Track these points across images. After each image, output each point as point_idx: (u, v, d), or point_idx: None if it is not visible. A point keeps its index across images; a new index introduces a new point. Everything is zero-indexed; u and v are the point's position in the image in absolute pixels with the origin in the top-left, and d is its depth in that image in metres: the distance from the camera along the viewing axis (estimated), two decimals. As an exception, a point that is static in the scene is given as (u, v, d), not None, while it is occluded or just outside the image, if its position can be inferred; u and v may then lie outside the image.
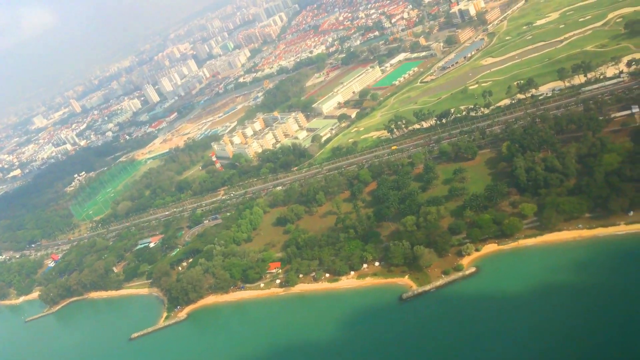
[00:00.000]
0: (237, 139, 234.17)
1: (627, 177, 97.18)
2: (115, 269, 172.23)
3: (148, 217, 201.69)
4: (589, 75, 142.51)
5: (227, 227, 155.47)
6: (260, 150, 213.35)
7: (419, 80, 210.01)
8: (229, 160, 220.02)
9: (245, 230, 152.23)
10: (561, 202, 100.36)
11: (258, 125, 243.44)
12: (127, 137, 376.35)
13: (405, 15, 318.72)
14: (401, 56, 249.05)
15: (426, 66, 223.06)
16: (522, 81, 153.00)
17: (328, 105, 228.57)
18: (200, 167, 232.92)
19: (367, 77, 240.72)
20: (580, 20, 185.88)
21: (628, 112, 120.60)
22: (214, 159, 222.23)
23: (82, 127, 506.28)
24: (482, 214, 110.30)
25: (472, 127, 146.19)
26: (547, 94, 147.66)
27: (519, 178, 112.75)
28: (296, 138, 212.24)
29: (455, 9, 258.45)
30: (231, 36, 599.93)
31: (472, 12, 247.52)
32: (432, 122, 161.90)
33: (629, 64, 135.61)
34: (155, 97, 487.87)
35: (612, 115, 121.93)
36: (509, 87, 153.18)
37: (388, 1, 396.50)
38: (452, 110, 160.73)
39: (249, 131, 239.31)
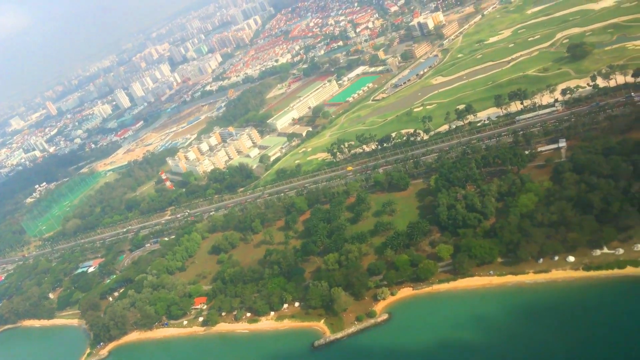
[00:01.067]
0: (191, 155, 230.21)
1: (539, 221, 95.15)
2: (51, 295, 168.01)
3: (94, 237, 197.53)
4: (525, 103, 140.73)
5: (163, 254, 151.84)
6: (211, 168, 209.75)
7: (371, 98, 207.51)
8: (181, 177, 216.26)
9: (180, 259, 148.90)
10: (475, 245, 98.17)
11: (214, 140, 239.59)
12: (93, 145, 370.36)
13: (370, 25, 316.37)
14: (359, 70, 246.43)
15: (381, 82, 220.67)
16: (460, 107, 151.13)
17: (283, 121, 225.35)
18: (154, 183, 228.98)
19: (324, 91, 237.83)
20: (529, 39, 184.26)
21: (555, 145, 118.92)
22: (163, 177, 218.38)
23: (52, 133, 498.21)
24: (402, 253, 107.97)
25: (408, 155, 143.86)
26: (485, 120, 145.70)
27: (439, 216, 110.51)
28: (247, 156, 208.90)
29: (414, 22, 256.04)
30: (207, 39, 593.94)
31: (431, 25, 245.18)
32: (373, 146, 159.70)
33: (563, 93, 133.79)
34: (126, 103, 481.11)
35: (540, 149, 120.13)
36: (447, 113, 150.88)
37: (358, 7, 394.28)
38: (393, 135, 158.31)
39: (204, 146, 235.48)
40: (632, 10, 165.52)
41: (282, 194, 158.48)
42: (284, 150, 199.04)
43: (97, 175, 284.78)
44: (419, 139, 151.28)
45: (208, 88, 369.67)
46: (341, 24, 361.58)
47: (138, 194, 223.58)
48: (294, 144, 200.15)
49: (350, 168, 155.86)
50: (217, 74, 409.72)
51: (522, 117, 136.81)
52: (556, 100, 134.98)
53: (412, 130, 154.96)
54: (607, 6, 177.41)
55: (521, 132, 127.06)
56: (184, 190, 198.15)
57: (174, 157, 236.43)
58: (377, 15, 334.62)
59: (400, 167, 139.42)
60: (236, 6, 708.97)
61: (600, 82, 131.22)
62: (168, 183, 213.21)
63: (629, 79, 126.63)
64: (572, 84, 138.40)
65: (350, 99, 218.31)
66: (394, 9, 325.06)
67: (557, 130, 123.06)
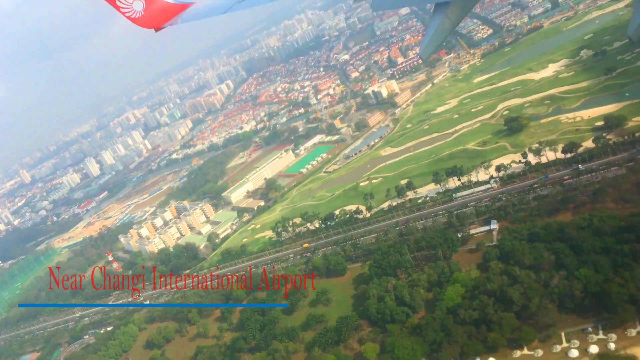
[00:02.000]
0: (145, 231, 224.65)
1: (461, 319, 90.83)
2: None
3: (36, 327, 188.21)
4: (463, 179, 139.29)
5: (97, 350, 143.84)
6: (162, 247, 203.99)
7: (324, 170, 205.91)
8: (132, 256, 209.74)
9: (113, 355, 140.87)
10: (398, 345, 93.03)
11: (169, 214, 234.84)
12: (55, 218, 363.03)
13: (331, 91, 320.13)
14: (316, 138, 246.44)
15: (335, 152, 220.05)
16: (403, 182, 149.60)
17: (237, 194, 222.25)
18: (104, 263, 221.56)
19: (281, 161, 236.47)
20: (472, 110, 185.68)
21: (487, 227, 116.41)
22: (109, 258, 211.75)
23: (21, 203, 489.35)
24: (330, 353, 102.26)
25: (348, 235, 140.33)
26: (425, 197, 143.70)
27: (369, 309, 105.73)
28: (199, 233, 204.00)
29: (369, 90, 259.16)
30: (182, 103, 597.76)
31: (384, 94, 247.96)
32: (317, 224, 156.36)
33: (498, 169, 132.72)
34: (95, 171, 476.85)
35: (472, 231, 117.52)
36: (387, 189, 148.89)
37: (323, 72, 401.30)
38: (337, 212, 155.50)
39: (158, 221, 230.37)
40: (569, 80, 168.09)
41: (225, 278, 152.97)
42: (234, 227, 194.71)
43: (52, 253, 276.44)
44: (361, 216, 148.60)
45: (174, 156, 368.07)
46: (305, 89, 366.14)
47: (87, 276, 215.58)
48: (245, 219, 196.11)
49: (306, 245, 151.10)
50: (185, 141, 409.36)
51: (459, 194, 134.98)
52: (491, 177, 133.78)
53: (355, 207, 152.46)
54: (547, 76, 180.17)
55: (455, 212, 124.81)
56: (129, 272, 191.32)
57: (127, 234, 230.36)
58: (339, 81, 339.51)
59: (339, 249, 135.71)
60: (214, 69, 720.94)
61: (533, 159, 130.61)
62: (115, 264, 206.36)
63: (559, 154, 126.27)
64: (508, 159, 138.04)
65: (305, 170, 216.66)
66: (354, 74, 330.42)
67: (490, 210, 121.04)
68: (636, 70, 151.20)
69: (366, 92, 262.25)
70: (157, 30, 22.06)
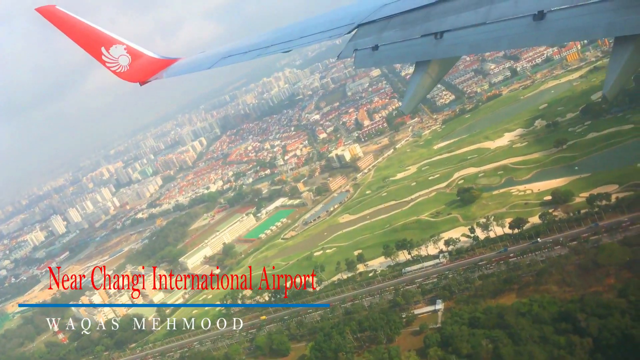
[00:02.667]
0: (97, 298, 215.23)
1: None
2: None
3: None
4: (413, 252, 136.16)
5: None
6: (111, 316, 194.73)
7: (282, 236, 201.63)
8: (80, 326, 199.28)
9: None
10: None
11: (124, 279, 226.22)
12: (13, 279, 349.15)
13: (299, 153, 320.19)
14: (279, 202, 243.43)
15: (295, 216, 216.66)
16: (357, 252, 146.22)
17: (194, 260, 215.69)
18: (52, 333, 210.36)
19: (241, 225, 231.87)
20: (430, 178, 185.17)
21: (433, 307, 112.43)
22: (55, 328, 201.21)
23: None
24: None
25: (294, 311, 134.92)
26: (376, 271, 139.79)
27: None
28: (151, 302, 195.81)
29: (333, 153, 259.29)
30: (155, 159, 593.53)
31: (348, 157, 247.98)
32: (267, 296, 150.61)
33: (447, 243, 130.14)
34: (61, 229, 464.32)
35: (417, 311, 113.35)
36: (338, 262, 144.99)
37: (294, 132, 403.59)
38: (288, 284, 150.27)
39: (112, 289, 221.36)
40: (522, 151, 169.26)
41: (167, 356, 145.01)
42: (187, 297, 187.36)
43: (4, 319, 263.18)
44: (311, 289, 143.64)
45: (139, 215, 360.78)
46: (275, 149, 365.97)
47: (34, 346, 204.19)
48: (198, 288, 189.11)
49: (264, 317, 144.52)
50: (153, 200, 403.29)
51: (408, 269, 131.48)
52: (441, 251, 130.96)
53: (305, 280, 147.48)
54: (502, 145, 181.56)
55: (402, 289, 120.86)
56: (74, 345, 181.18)
57: (78, 299, 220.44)
58: (307, 142, 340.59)
59: (284, 326, 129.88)
60: (191, 124, 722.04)
61: (482, 233, 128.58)
62: (61, 336, 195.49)
63: (507, 229, 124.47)
64: (459, 231, 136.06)
65: (264, 235, 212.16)
66: (322, 135, 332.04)
67: (436, 287, 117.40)
68: (586, 143, 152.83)
69: (330, 155, 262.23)
70: (142, 84, 21.99)
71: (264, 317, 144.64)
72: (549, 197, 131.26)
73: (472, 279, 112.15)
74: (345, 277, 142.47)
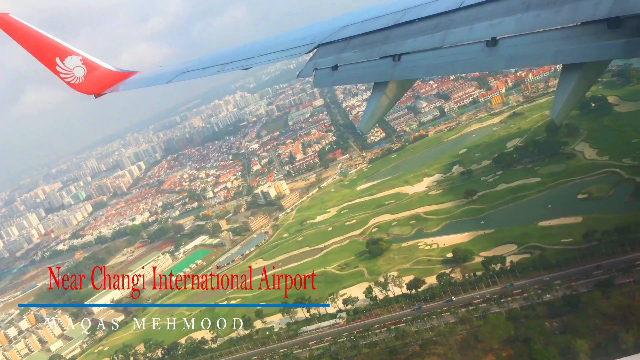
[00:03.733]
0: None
1: None
2: None
3: None
4: (312, 311, 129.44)
5: None
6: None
7: (192, 282, 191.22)
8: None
9: None
10: None
11: (26, 323, 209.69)
12: None
13: (230, 185, 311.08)
14: (199, 240, 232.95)
15: (211, 258, 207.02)
16: (257, 308, 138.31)
17: (103, 302, 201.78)
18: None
19: (157, 264, 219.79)
20: (347, 223, 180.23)
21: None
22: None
23: None
24: None
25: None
26: (274, 328, 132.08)
27: None
28: (48, 351, 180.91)
29: (259, 190, 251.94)
30: (91, 183, 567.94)
31: (273, 194, 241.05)
32: (160, 353, 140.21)
33: (345, 302, 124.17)
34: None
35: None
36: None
37: (231, 161, 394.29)
38: (183, 341, 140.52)
39: (12, 331, 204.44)
40: (436, 199, 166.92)
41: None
42: (85, 346, 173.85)
43: None
44: (207, 346, 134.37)
45: (60, 247, 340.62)
46: (209, 179, 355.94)
47: None
48: (98, 336, 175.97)
49: None
50: (79, 228, 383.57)
51: (305, 329, 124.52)
52: (339, 311, 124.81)
53: (202, 336, 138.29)
54: (419, 191, 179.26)
55: (292, 356, 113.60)
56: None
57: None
58: (240, 173, 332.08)
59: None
60: (137, 145, 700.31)
61: (381, 293, 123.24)
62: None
63: (405, 289, 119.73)
64: (362, 287, 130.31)
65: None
66: (256, 167, 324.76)
67: (327, 352, 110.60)
68: (495, 195, 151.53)
69: (256, 191, 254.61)
70: (97, 96, 21.41)
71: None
72: (451, 255, 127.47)
73: (360, 346, 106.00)
74: (243, 333, 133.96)
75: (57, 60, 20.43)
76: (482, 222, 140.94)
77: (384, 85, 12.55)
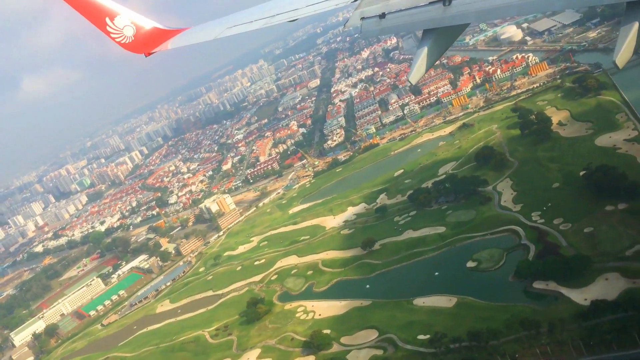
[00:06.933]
0: None
1: None
2: None
3: None
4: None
5: None
6: None
7: (104, 320, 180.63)
8: None
9: None
10: None
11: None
12: None
13: (194, 188, 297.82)
14: (136, 261, 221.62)
15: (135, 288, 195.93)
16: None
17: (23, 336, 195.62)
18: None
19: (89, 290, 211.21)
20: (255, 263, 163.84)
21: None
22: None
23: None
24: None
25: None
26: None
27: None
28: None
29: (203, 204, 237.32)
30: (95, 169, 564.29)
31: (214, 210, 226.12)
32: None
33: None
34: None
35: None
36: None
37: (215, 152, 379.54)
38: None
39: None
40: (343, 243, 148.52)
41: None
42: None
43: None
44: None
45: (37, 249, 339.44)
46: (185, 176, 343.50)
47: None
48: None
49: None
50: (64, 225, 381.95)
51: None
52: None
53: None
54: (334, 227, 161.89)
55: None
56: None
57: None
58: (211, 172, 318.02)
59: None
60: (156, 121, 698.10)
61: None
62: None
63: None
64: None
65: (102, 308, 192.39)
66: (226, 167, 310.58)
67: None
68: (395, 247, 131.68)
69: (201, 205, 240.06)
70: (147, 55, 21.79)
71: None
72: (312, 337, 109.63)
73: None
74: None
75: (107, 20, 20.48)
76: (367, 285, 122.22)
77: (433, 32, 12.30)
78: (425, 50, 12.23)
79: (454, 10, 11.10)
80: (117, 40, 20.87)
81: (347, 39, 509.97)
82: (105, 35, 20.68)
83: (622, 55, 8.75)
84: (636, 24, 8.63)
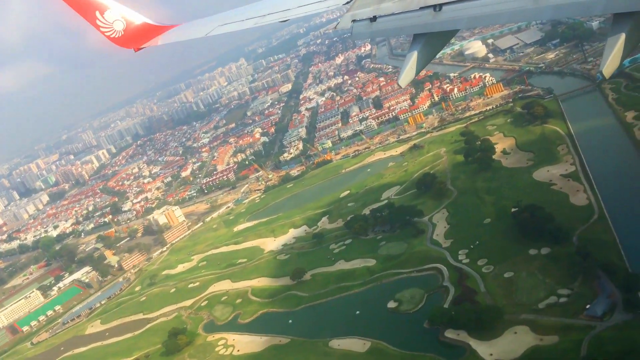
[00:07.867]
0: None
1: None
2: None
3: None
4: None
5: None
6: None
7: (33, 338, 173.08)
8: None
9: None
10: None
11: None
12: None
13: (150, 195, 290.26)
14: (80, 273, 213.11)
15: (71, 304, 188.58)
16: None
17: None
18: None
19: (27, 303, 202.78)
20: (189, 285, 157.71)
21: None
22: None
23: None
24: None
25: None
26: None
27: None
28: None
29: (152, 215, 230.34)
30: (60, 168, 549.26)
31: (162, 222, 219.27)
32: None
33: None
34: None
35: None
36: None
37: (179, 156, 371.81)
38: None
39: None
40: (276, 270, 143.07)
41: None
42: None
43: None
44: None
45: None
46: (145, 180, 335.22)
47: None
48: None
49: None
50: (20, 226, 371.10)
51: None
52: None
53: None
54: (272, 251, 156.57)
55: None
56: None
57: None
58: (170, 178, 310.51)
59: None
60: (132, 117, 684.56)
61: None
62: None
63: None
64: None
65: (33, 325, 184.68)
66: (185, 174, 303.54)
67: None
68: (324, 278, 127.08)
69: (150, 216, 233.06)
70: (136, 50, 21.65)
71: None
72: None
73: None
74: None
75: (97, 14, 20.31)
76: (290, 320, 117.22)
77: (423, 37, 12.40)
78: (415, 55, 12.39)
79: (444, 16, 11.26)
80: (107, 34, 20.75)
81: (326, 42, 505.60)
82: (95, 29, 20.51)
83: (609, 65, 8.88)
84: (623, 35, 8.71)
